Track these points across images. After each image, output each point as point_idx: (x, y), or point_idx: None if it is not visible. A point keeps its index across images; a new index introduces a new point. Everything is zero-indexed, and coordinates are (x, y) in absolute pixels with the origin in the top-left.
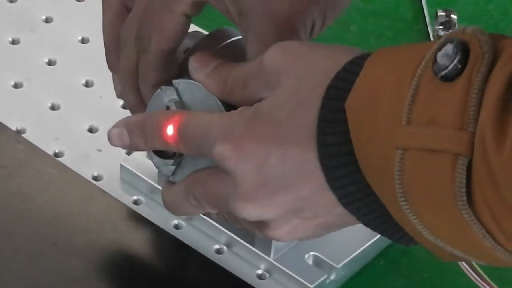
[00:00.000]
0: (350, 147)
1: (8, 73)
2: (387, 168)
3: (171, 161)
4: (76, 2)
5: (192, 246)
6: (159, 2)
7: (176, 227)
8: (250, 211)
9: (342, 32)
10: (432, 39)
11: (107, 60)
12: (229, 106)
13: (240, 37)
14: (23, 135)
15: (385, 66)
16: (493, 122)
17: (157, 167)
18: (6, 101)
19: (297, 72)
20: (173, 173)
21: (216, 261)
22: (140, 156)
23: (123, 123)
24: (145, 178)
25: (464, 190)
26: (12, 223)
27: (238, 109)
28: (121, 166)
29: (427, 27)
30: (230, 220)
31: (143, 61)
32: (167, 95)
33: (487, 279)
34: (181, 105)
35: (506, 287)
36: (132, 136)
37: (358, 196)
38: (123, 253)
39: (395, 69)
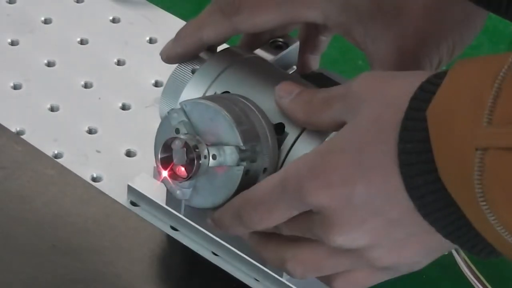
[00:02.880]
0: (429, 156)
1: (7, 74)
2: (466, 171)
3: (186, 184)
4: (75, 3)
5: (191, 248)
6: None
7: (175, 228)
8: (343, 240)
9: None
10: None
11: None
12: (240, 123)
13: (248, 55)
14: (22, 137)
15: (467, 74)
16: None
17: (171, 192)
18: (5, 103)
19: (378, 101)
20: (189, 196)
21: (214, 263)
22: (148, 177)
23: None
24: (153, 199)
25: None
26: (11, 224)
27: (306, 156)
28: (128, 186)
29: None
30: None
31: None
32: (174, 118)
33: (485, 282)
34: (190, 125)
35: None
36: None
37: (437, 206)
38: (122, 255)
39: (476, 75)
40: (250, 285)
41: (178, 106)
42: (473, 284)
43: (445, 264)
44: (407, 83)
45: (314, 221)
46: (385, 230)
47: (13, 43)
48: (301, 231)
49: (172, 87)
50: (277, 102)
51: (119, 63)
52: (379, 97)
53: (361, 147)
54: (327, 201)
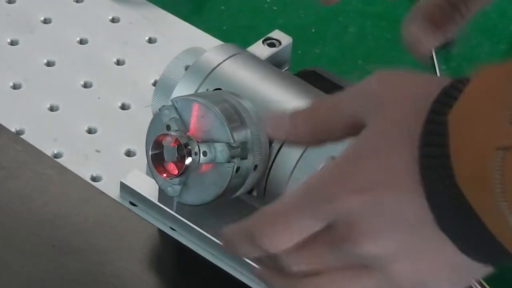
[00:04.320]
0: (450, 162)
1: (7, 74)
2: (486, 172)
3: (177, 180)
4: (75, 3)
5: (191, 247)
6: None
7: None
8: (371, 247)
9: (341, 33)
10: None
11: None
12: (231, 120)
13: (241, 52)
14: (21, 136)
15: (491, 78)
16: None
17: (162, 188)
18: (5, 102)
19: (399, 102)
20: (180, 193)
21: (215, 263)
22: (141, 174)
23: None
24: (146, 196)
25: None
26: (10, 224)
27: (330, 164)
28: (121, 183)
29: None
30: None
31: None
32: (165, 114)
33: (484, 283)
34: (181, 122)
35: None
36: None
37: (453, 214)
38: (122, 254)
39: (501, 79)
40: (251, 286)
41: (170, 103)
42: (470, 283)
43: None
44: (427, 85)
45: (338, 230)
46: (410, 238)
47: (12, 43)
48: (322, 253)
49: (165, 84)
50: (274, 138)
51: (119, 62)
52: (400, 97)
53: (386, 152)
54: (355, 205)
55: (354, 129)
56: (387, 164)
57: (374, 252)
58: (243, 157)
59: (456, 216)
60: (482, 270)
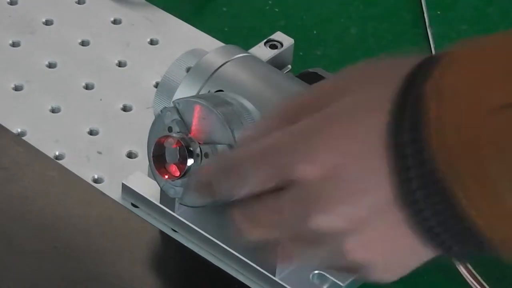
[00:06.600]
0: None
1: (9, 75)
2: (473, 137)
3: (178, 182)
4: (77, 4)
5: (193, 249)
6: None
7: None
8: (322, 221)
9: (342, 35)
10: (432, 42)
11: None
12: (233, 121)
13: (242, 54)
14: (23, 138)
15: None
16: None
17: (163, 190)
18: (7, 104)
19: (366, 81)
20: (181, 195)
21: (216, 264)
22: (142, 175)
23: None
24: (148, 197)
25: None
26: (12, 226)
27: (296, 125)
28: (123, 185)
29: (427, 30)
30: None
31: None
32: (167, 116)
33: (485, 284)
34: (183, 124)
35: None
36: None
37: (423, 190)
38: (123, 255)
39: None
40: (251, 287)
41: (172, 105)
42: (471, 284)
43: (445, 267)
44: (391, 70)
45: (293, 196)
46: (365, 215)
47: (14, 45)
48: (275, 210)
49: (166, 86)
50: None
51: (120, 64)
52: (366, 80)
53: (350, 123)
54: (313, 179)
55: None
56: (354, 134)
57: (325, 225)
58: None
59: (427, 193)
60: (430, 255)
